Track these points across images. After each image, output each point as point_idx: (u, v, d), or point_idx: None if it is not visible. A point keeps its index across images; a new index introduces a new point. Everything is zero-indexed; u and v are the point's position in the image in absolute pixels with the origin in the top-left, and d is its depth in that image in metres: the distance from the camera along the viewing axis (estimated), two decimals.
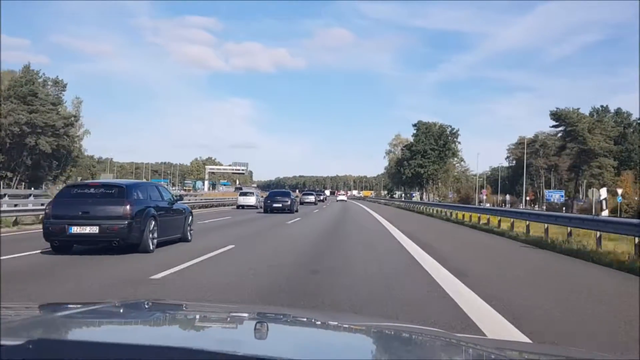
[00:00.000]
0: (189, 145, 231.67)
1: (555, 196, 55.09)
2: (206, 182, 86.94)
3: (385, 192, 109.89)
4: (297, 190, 74.47)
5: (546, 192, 59.79)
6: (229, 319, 1.56)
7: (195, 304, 2.21)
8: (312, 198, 40.53)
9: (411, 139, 76.98)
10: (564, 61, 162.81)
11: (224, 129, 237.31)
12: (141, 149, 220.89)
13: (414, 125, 76.09)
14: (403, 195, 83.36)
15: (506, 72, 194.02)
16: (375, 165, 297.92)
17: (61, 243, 7.30)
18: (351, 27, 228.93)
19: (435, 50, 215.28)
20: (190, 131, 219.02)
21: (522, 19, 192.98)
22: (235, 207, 29.85)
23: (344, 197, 67.83)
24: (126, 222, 7.19)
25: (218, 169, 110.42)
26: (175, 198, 9.42)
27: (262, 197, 29.33)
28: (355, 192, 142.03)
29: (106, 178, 56.80)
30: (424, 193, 75.36)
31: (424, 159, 72.18)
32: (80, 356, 0.87)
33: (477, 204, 54.75)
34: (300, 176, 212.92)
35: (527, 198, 67.18)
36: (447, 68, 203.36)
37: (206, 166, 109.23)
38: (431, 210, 26.64)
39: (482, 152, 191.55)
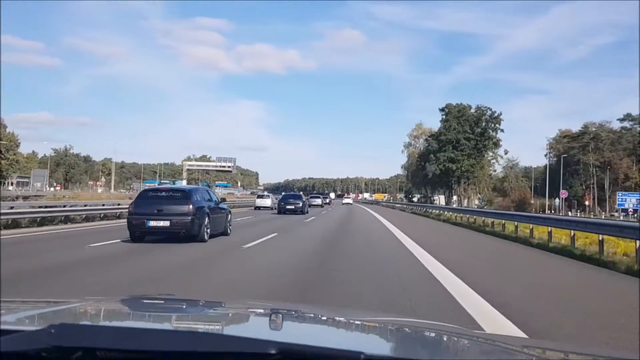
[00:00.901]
0: (199, 148, 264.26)
1: (632, 200, 48.95)
2: (184, 182, 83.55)
3: (402, 194, 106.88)
4: (301, 193, 79.39)
5: (619, 195, 53.11)
6: (245, 312, 1.92)
7: (213, 301, 2.70)
8: (319, 201, 49.85)
9: (437, 129, 69.68)
10: (577, 63, 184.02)
11: (234, 131, 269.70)
12: (152, 151, 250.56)
13: (442, 109, 68.96)
14: (422, 198, 78.90)
15: (519, 74, 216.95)
16: (388, 168, 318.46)
17: (140, 233, 11.57)
18: (362, 29, 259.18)
19: (447, 53, 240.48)
20: (200, 133, 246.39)
21: (534, 21, 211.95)
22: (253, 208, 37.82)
23: (350, 200, 75.70)
24: (190, 218, 11.45)
25: (199, 165, 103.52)
26: (219, 200, 13.75)
27: (276, 199, 36.80)
28: (366, 195, 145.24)
29: (38, 174, 61.32)
30: (452, 196, 70.49)
31: (456, 152, 65.44)
32: (102, 341, 1.01)
33: (559, 212, 48.16)
34: (309, 178, 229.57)
35: (586, 203, 63.40)
36: (459, 70, 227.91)
37: (184, 162, 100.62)
38: (486, 222, 20.94)
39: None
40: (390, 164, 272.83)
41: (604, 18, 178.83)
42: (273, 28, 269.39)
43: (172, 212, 11.49)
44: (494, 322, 4.83)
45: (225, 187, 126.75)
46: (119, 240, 11.97)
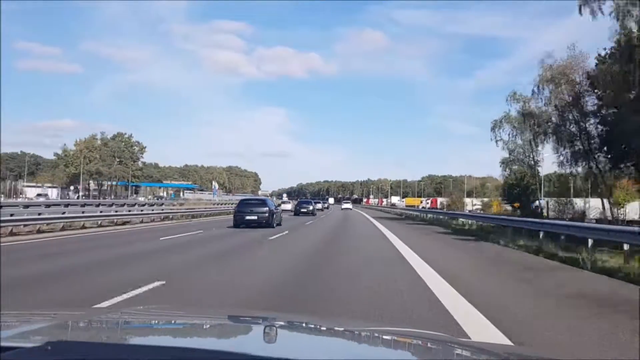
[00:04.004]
0: (223, 155, 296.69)
1: None
2: None
3: (499, 197, 59.93)
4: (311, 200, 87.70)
5: None
6: (238, 323, 2.27)
7: (205, 309, 3.38)
8: (319, 205, 67.77)
9: None
10: None
11: (256, 138, 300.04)
12: (175, 157, 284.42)
13: None
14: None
15: None
16: (414, 171, 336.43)
17: (240, 222, 25.14)
18: (385, 33, 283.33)
19: (470, 57, 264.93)
20: (224, 140, 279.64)
21: (560, 23, 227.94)
22: None
23: (349, 205, 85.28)
24: (267, 214, 25.15)
25: None
26: (277, 204, 27.45)
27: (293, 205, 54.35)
28: (396, 200, 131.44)
29: None
30: None
31: None
32: (97, 357, 1.22)
33: None
34: (324, 181, 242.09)
35: None
36: (483, 74, 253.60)
37: None
38: None
39: None
40: (415, 168, 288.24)
41: None
42: (293, 32, 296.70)
43: (258, 211, 25.14)
44: None
45: (187, 188, 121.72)
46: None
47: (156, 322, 2.23)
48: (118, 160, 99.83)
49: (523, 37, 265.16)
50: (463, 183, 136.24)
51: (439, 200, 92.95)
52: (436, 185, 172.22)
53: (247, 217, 25.08)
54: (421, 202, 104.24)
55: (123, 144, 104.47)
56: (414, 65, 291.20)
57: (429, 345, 1.94)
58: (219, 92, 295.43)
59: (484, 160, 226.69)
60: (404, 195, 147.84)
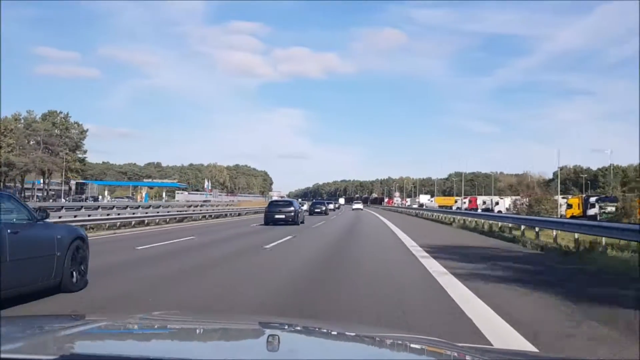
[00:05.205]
0: (240, 156, 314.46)
1: None
2: None
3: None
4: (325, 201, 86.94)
5: None
6: (244, 330, 2.37)
7: (211, 315, 3.44)
8: (331, 206, 75.96)
9: None
10: (624, 63, 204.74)
11: (272, 139, 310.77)
12: (190, 159, 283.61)
13: None
14: None
15: (564, 75, 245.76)
16: (433, 170, 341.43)
17: (270, 221, 30.01)
18: (403, 32, 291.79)
19: (489, 55, 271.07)
20: (240, 142, 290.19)
21: (579, 21, 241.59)
22: None
23: (360, 206, 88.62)
24: (293, 214, 30.13)
25: None
26: (300, 204, 32.59)
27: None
28: (425, 199, 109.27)
29: None
30: None
31: None
32: None
33: None
34: (342, 181, 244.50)
35: None
36: (502, 73, 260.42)
37: None
38: None
39: (537, 158, 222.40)
40: (435, 167, 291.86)
41: None
42: (310, 32, 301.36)
43: (285, 211, 30.09)
44: None
45: (177, 187, 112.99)
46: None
47: (168, 328, 2.44)
48: (45, 147, 74.43)
49: (542, 35, 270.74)
50: (498, 180, 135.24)
51: (481, 199, 79.02)
52: (467, 182, 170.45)
53: (276, 216, 29.87)
54: (455, 201, 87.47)
55: (54, 125, 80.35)
56: (432, 64, 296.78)
57: (432, 350, 2.04)
58: (235, 93, 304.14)
59: (501, 158, 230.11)
60: (432, 195, 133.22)
